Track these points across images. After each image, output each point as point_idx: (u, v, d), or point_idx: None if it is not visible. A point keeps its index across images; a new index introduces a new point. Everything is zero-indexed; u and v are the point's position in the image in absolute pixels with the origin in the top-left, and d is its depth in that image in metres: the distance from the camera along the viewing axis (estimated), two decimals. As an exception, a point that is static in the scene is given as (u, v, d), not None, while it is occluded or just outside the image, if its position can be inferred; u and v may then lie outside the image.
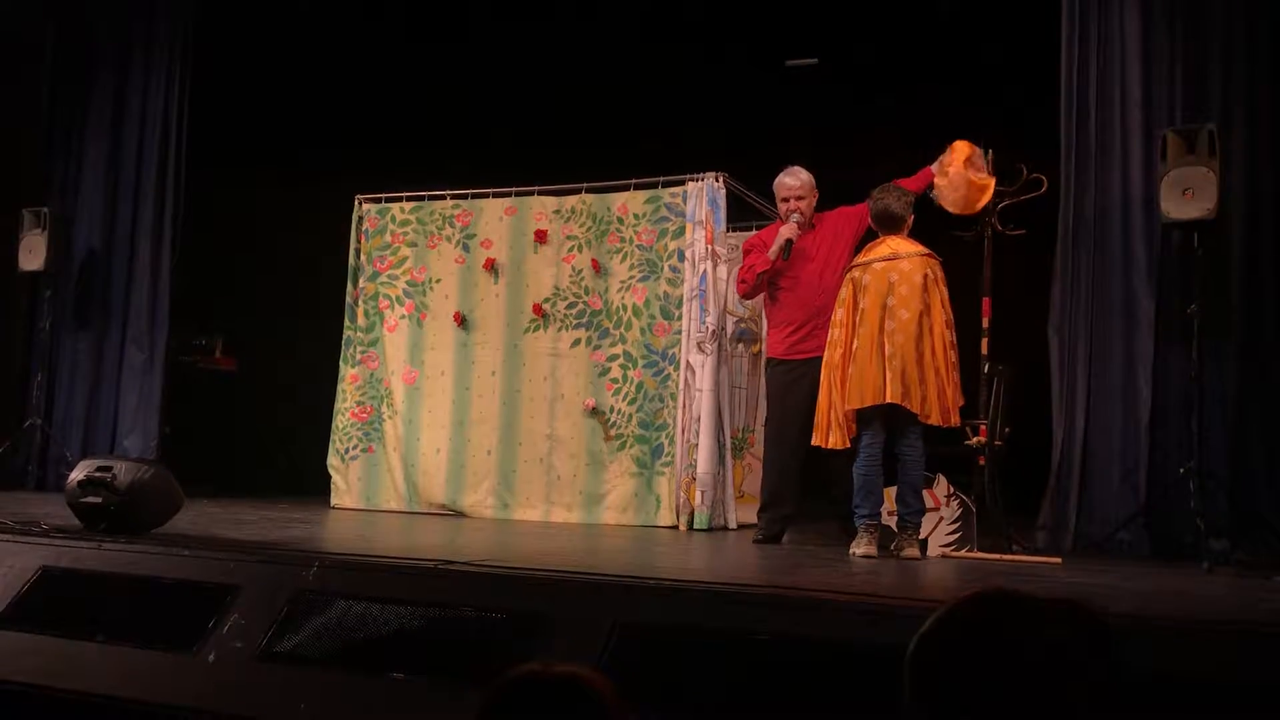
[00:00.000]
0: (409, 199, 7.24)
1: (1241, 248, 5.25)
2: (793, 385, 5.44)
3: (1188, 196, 5.05)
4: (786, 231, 5.45)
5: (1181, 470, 5.01)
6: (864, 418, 4.89)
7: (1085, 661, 1.31)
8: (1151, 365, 5.31)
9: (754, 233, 6.18)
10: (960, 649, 1.34)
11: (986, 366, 5.28)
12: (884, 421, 4.89)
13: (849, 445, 4.92)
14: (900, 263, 4.86)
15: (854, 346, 4.85)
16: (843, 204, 5.62)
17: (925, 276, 4.82)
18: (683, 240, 6.47)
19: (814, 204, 5.60)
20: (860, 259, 5.01)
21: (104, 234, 7.82)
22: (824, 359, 5.02)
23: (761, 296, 5.87)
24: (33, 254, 7.47)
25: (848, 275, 5.02)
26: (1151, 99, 5.47)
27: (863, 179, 5.40)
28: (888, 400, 4.77)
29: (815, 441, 5.03)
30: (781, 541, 5.42)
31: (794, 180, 5.56)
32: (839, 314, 4.98)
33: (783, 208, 5.58)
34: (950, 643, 1.35)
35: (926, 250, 4.92)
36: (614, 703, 1.36)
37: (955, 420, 4.91)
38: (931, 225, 5.26)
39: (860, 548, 4.81)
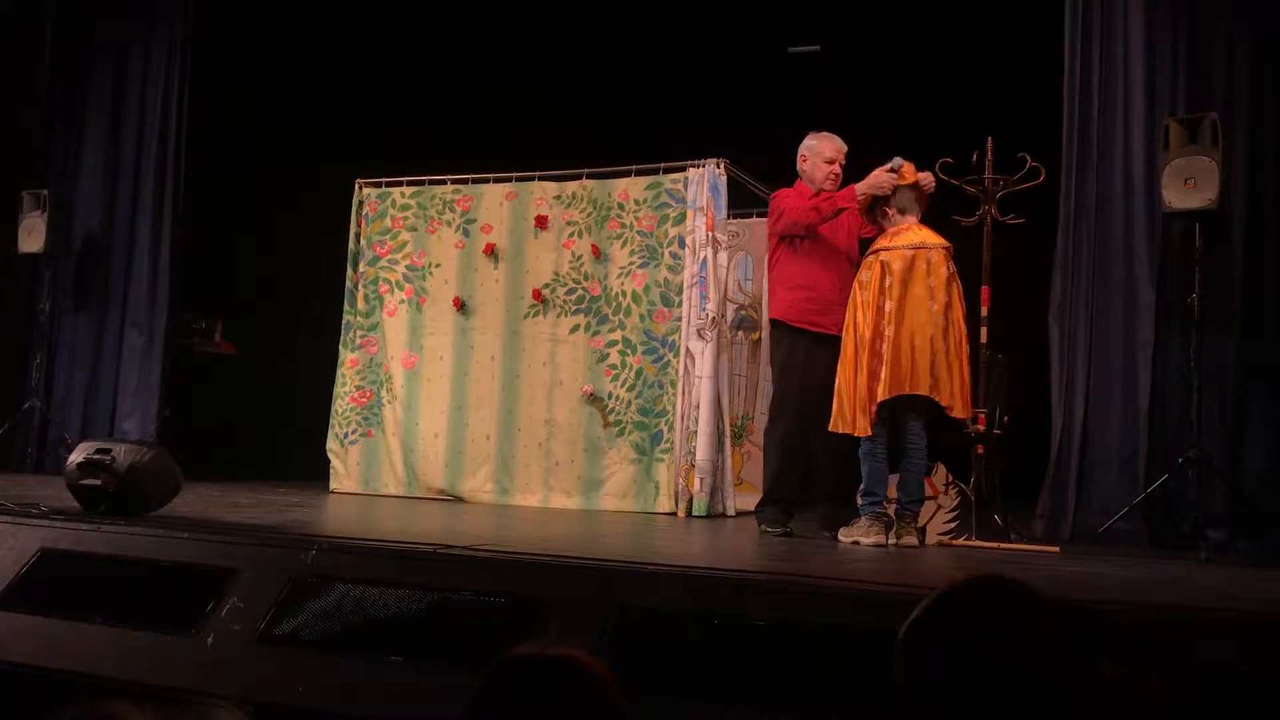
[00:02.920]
0: (409, 183, 7.23)
1: (1243, 238, 5.24)
2: (811, 359, 5.14)
3: (1189, 186, 5.04)
4: (889, 164, 5.00)
5: (1181, 460, 5.01)
6: (880, 407, 4.82)
7: (1078, 650, 1.32)
8: (1152, 354, 5.31)
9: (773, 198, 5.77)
10: (949, 635, 1.34)
11: (985, 355, 5.27)
12: (893, 410, 4.86)
13: (872, 433, 4.86)
14: (929, 252, 4.81)
15: (887, 333, 4.74)
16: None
17: (949, 269, 4.81)
18: (683, 227, 6.47)
19: None
20: (885, 242, 4.89)
21: (104, 216, 7.81)
22: (845, 342, 4.88)
23: (768, 258, 5.47)
24: (32, 236, 7.46)
25: (871, 257, 4.89)
26: (1154, 87, 5.46)
27: (864, 166, 5.38)
28: (921, 391, 4.73)
29: (841, 429, 4.83)
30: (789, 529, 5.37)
31: (843, 143, 5.32)
32: (862, 296, 4.84)
33: (827, 169, 5.25)
34: (939, 629, 1.35)
35: (947, 243, 4.90)
36: (609, 685, 1.37)
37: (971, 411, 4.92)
38: (930, 212, 5.25)
39: (871, 536, 4.78)
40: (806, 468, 5.27)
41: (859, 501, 4.96)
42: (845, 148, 5.35)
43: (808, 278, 5.21)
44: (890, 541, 4.79)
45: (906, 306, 4.75)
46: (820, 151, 5.33)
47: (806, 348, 5.16)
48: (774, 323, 5.38)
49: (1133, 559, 4.56)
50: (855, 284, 4.93)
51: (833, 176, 5.27)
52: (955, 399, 4.77)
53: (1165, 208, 5.15)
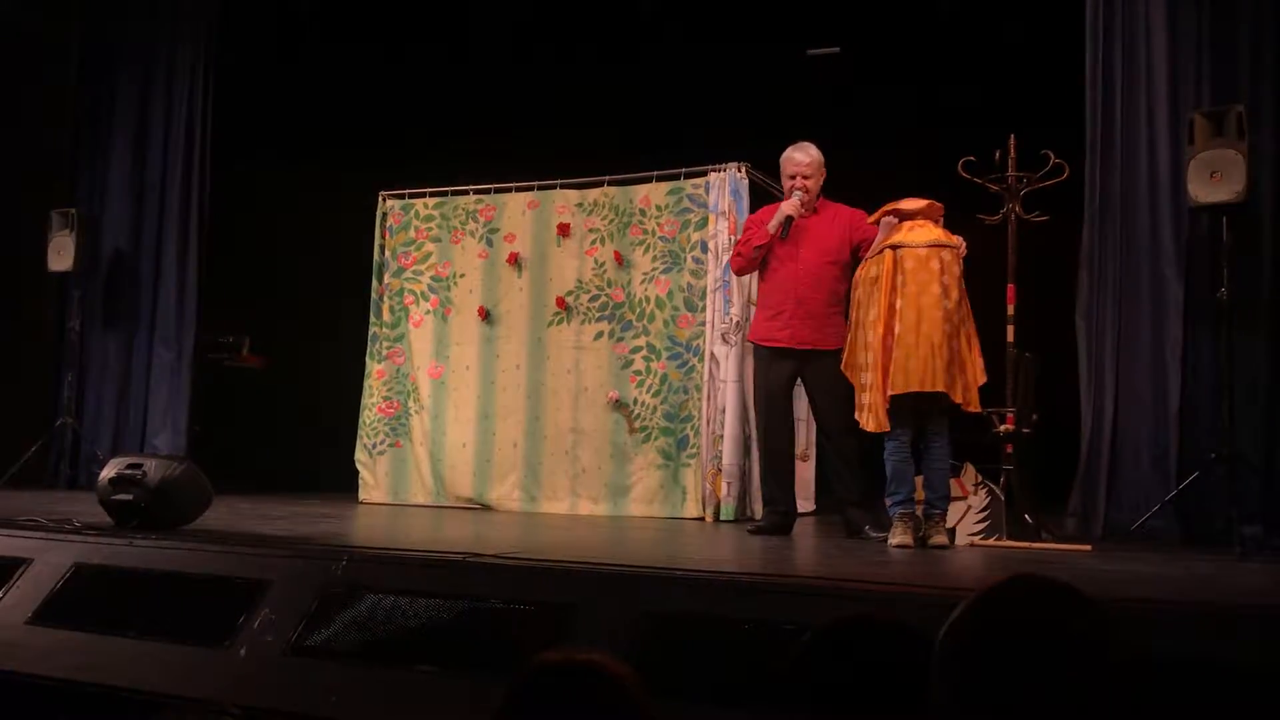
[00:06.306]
0: (432, 194, 7.26)
1: (1272, 230, 5.19)
2: (770, 373, 5.38)
3: (1215, 179, 5.00)
4: (788, 208, 5.26)
5: (1212, 455, 4.97)
6: (896, 405, 4.79)
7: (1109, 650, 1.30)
8: (1181, 350, 5.26)
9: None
10: (990, 637, 1.33)
11: (1013, 353, 5.24)
12: (913, 409, 4.83)
13: (889, 429, 4.81)
14: (943, 251, 4.79)
15: (897, 330, 4.71)
16: (862, 194, 5.51)
17: (957, 263, 4.79)
18: (705, 231, 6.46)
19: (820, 185, 5.39)
20: (899, 239, 4.82)
21: (131, 234, 7.89)
22: (860, 340, 4.86)
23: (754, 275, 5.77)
24: (61, 255, 7.54)
25: (883, 253, 4.82)
26: (1178, 81, 5.41)
27: (885, 167, 5.37)
28: (937, 388, 4.70)
29: (870, 427, 4.83)
30: (789, 534, 5.34)
31: (804, 156, 5.36)
32: (867, 292, 4.83)
33: (788, 184, 5.37)
34: (979, 631, 1.34)
35: (951, 236, 4.86)
36: (635, 689, 1.37)
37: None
38: (954, 211, 5.22)
39: (896, 537, 4.76)
40: (788, 470, 5.51)
41: (887, 503, 4.93)
42: (806, 159, 5.36)
43: (765, 299, 5.48)
44: (907, 543, 4.76)
45: (920, 303, 4.70)
46: (782, 168, 5.45)
47: (767, 362, 5.41)
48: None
49: (1166, 556, 4.51)
50: (863, 280, 4.88)
51: (793, 189, 5.33)
52: (971, 393, 4.76)
53: (1191, 202, 5.11)
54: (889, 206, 4.97)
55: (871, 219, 5.08)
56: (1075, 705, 1.28)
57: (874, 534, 5.01)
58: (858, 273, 5.00)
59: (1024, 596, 1.36)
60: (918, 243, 4.78)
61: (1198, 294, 5.26)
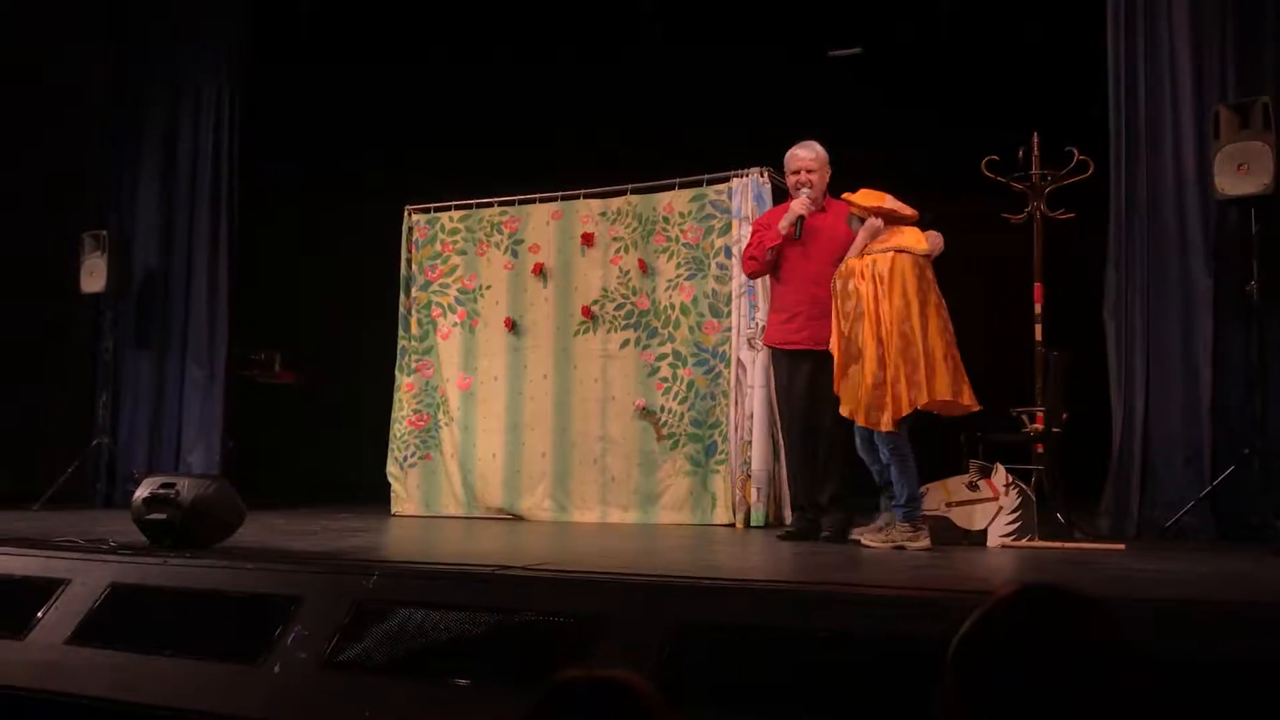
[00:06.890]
0: (457, 207, 7.30)
1: (1301, 222, 5.14)
2: (791, 377, 5.33)
3: (1242, 172, 4.95)
4: (798, 207, 5.20)
5: (1246, 451, 4.92)
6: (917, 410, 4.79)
7: (1128, 657, 1.30)
8: (1211, 345, 5.21)
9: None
10: (1000, 649, 1.33)
11: (1041, 352, 5.20)
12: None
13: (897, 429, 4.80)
14: (930, 261, 4.83)
15: (915, 337, 4.69)
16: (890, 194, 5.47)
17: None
18: (729, 237, 6.46)
19: (826, 181, 5.34)
20: (899, 242, 4.82)
21: (161, 253, 7.98)
22: (864, 334, 4.79)
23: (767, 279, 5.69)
24: (94, 276, 7.64)
25: (888, 254, 4.80)
26: (1202, 75, 5.37)
27: (907, 168, 5.35)
28: (947, 397, 4.69)
29: (876, 424, 4.80)
30: (817, 539, 5.28)
31: (806, 152, 5.31)
32: (878, 289, 4.78)
33: (792, 180, 5.31)
34: (992, 641, 1.34)
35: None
36: (655, 705, 1.37)
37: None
38: (978, 210, 5.20)
39: (919, 541, 4.77)
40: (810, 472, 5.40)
41: (900, 508, 4.89)
42: (810, 154, 5.33)
43: (779, 301, 5.44)
44: (928, 545, 4.77)
45: (927, 313, 4.71)
46: (786, 166, 5.44)
47: (787, 366, 5.36)
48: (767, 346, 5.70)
49: (1201, 554, 4.48)
50: (872, 279, 4.80)
51: (798, 185, 5.32)
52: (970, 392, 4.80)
53: (1219, 195, 5.06)
54: (885, 206, 4.93)
55: (867, 205, 4.98)
56: (1089, 712, 1.27)
57: (864, 541, 4.91)
58: (851, 268, 4.90)
59: (1034, 605, 1.36)
60: (918, 250, 4.80)
61: (1227, 288, 5.20)
